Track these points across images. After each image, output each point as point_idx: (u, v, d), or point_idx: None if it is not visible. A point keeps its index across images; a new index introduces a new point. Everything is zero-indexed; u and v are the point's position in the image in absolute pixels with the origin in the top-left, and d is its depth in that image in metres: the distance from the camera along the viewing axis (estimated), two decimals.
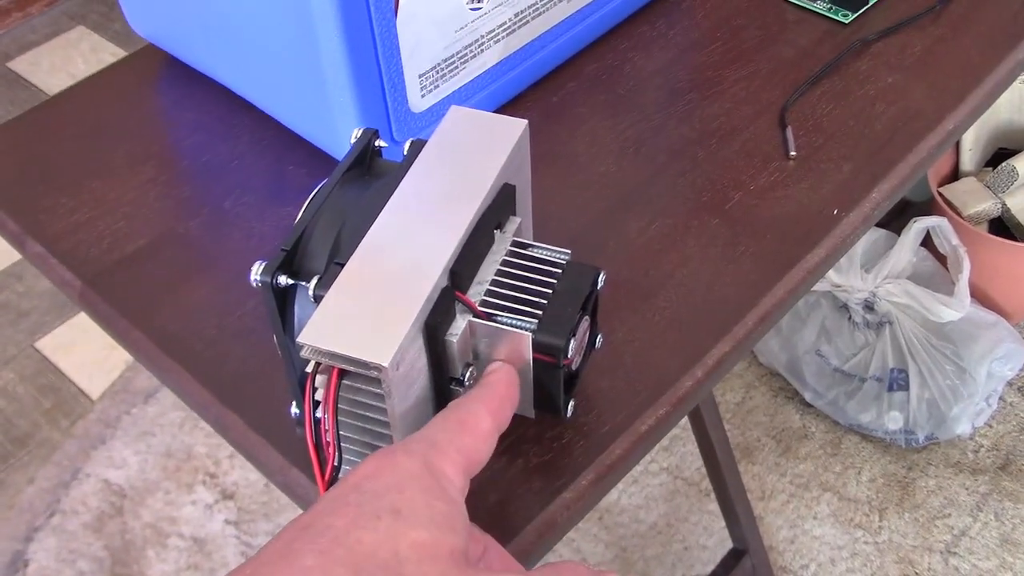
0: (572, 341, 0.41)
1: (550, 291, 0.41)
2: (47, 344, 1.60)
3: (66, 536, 1.36)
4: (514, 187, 0.45)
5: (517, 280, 0.42)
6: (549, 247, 0.43)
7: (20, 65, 2.12)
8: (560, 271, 0.42)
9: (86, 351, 1.58)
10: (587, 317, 0.43)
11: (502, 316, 0.41)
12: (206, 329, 0.53)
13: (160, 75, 0.69)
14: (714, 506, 1.29)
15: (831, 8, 0.69)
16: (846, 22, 0.69)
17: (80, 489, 1.41)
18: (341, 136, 0.56)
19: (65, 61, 2.11)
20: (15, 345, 1.60)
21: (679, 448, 1.39)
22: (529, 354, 0.41)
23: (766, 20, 0.69)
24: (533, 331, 0.40)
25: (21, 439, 1.48)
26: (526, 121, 0.45)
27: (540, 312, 0.41)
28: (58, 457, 1.45)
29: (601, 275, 0.43)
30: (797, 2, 0.70)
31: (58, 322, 1.62)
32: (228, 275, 0.56)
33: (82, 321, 1.60)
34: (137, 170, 0.63)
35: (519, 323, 0.41)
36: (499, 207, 0.43)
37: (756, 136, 0.61)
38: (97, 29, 2.18)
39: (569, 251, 0.43)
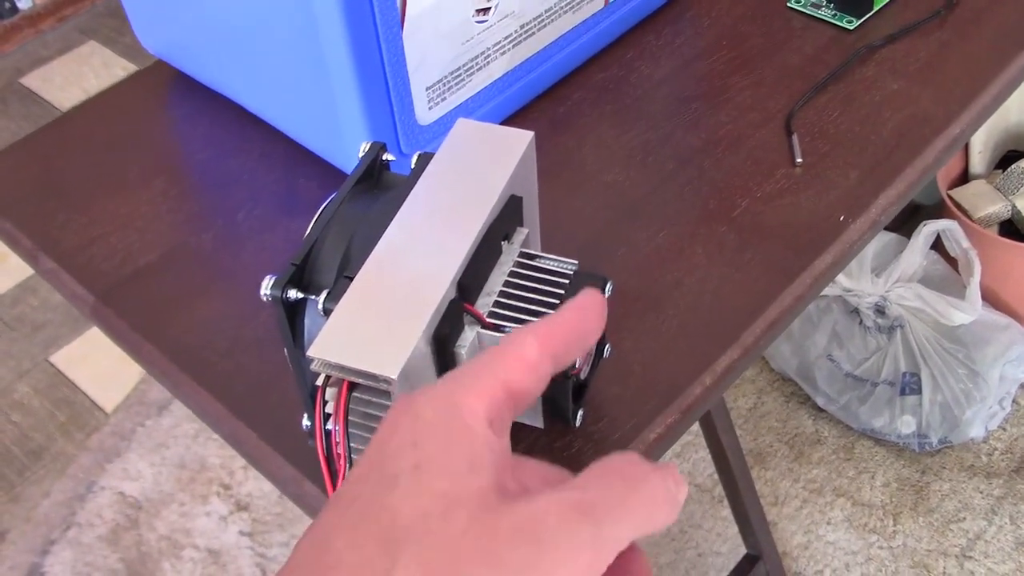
0: None
1: (558, 301, 0.42)
2: (62, 357, 1.61)
3: (82, 549, 1.37)
4: (521, 198, 0.45)
5: (525, 291, 0.42)
6: (556, 257, 0.43)
7: (33, 81, 2.13)
8: (567, 281, 0.43)
9: (100, 364, 1.59)
10: None
11: (510, 327, 0.41)
12: (218, 342, 0.53)
13: (170, 90, 0.70)
14: (727, 512, 1.28)
15: (836, 15, 0.70)
16: (851, 28, 0.69)
17: (95, 502, 1.42)
18: (350, 149, 0.56)
19: (77, 76, 2.13)
20: (30, 359, 1.61)
21: (691, 454, 1.38)
22: None
23: (771, 28, 0.69)
24: None
25: (36, 452, 1.49)
26: (532, 133, 0.45)
27: None
28: (73, 470, 1.46)
29: (608, 284, 0.43)
30: (802, 9, 0.71)
31: (72, 335, 1.63)
32: (240, 288, 0.56)
33: (96, 334, 1.61)
34: (149, 185, 0.63)
35: None
36: (506, 218, 0.43)
37: (762, 143, 0.61)
38: (108, 44, 2.19)
39: (576, 261, 0.43)
